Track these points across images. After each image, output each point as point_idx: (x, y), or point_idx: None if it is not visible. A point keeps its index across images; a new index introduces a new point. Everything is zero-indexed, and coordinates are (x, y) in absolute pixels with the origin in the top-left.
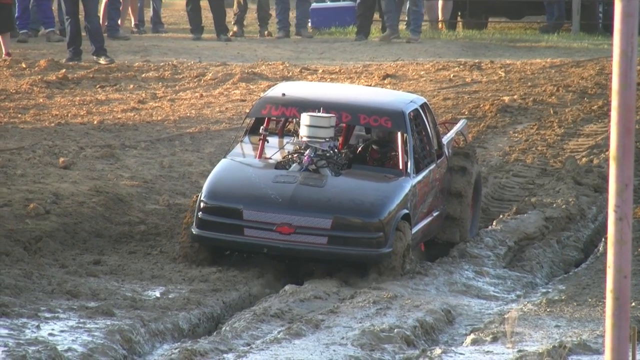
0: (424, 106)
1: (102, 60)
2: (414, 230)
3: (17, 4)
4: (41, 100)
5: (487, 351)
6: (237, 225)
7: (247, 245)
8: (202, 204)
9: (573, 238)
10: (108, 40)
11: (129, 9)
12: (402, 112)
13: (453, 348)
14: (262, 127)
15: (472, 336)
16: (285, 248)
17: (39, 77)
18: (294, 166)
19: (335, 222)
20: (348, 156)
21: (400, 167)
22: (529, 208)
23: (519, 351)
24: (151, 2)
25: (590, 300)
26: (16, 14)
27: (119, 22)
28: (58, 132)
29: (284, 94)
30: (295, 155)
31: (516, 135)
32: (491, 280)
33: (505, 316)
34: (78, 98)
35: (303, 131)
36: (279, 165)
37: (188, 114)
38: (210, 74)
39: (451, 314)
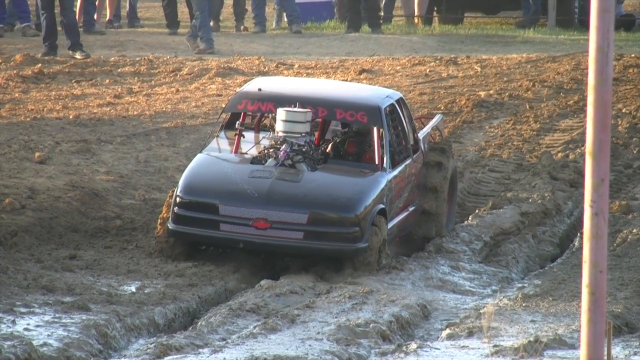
0: (400, 101)
1: (78, 55)
2: (390, 224)
3: None
4: (17, 94)
5: (463, 346)
6: (213, 220)
7: (223, 240)
8: (178, 199)
9: (549, 233)
10: (84, 34)
11: (106, 3)
12: (378, 107)
13: (429, 343)
14: (238, 122)
15: (447, 331)
16: (261, 243)
17: (15, 71)
18: (270, 161)
19: (311, 217)
20: (324, 151)
21: (377, 162)
22: (504, 203)
23: (495, 346)
24: None
25: (565, 295)
26: None
27: (95, 16)
28: (34, 127)
29: (260, 89)
30: (272, 150)
31: (492, 130)
32: (467, 275)
33: (481, 311)
34: (54, 93)
35: (279, 126)
36: (255, 160)
37: (164, 109)
38: (186, 69)
39: (427, 308)
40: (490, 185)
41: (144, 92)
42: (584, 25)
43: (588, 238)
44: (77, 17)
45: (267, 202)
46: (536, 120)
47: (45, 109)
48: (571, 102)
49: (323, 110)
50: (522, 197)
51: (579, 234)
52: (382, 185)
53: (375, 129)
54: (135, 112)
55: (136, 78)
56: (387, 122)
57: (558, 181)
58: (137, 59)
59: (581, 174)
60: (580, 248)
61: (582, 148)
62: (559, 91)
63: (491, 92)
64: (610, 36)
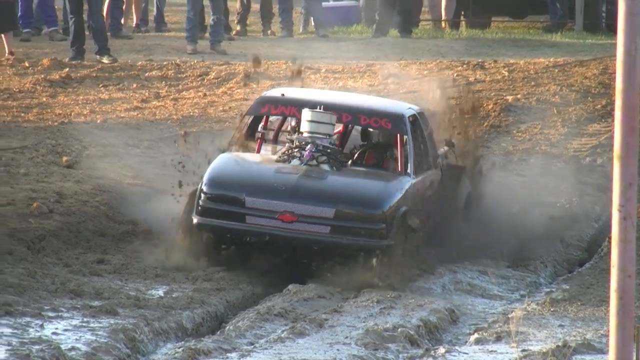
0: (421, 114)
1: (105, 59)
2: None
3: (20, 3)
4: (44, 99)
5: (491, 350)
6: (239, 213)
7: (249, 233)
8: (203, 193)
9: (577, 237)
10: (111, 39)
11: (132, 7)
12: (402, 115)
13: (457, 347)
14: (260, 126)
15: (475, 335)
16: (287, 236)
17: (42, 76)
18: (295, 161)
19: (338, 212)
20: (346, 157)
21: (400, 168)
22: (532, 207)
23: (523, 350)
24: (155, 1)
25: (594, 299)
26: (19, 13)
27: (122, 21)
28: (61, 131)
29: (283, 94)
30: (296, 150)
31: (519, 134)
32: (495, 280)
33: (510, 316)
34: (81, 97)
35: (304, 127)
36: (279, 160)
37: (191, 113)
38: (213, 73)
39: (455, 313)
40: (517, 189)
41: (171, 97)
42: (612, 30)
43: (616, 242)
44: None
45: (294, 196)
46: (564, 125)
47: (72, 114)
48: (599, 106)
49: (347, 116)
50: (550, 202)
51: (607, 239)
52: (407, 187)
53: (398, 136)
54: (162, 117)
55: (163, 82)
56: (410, 130)
57: (586, 185)
58: (164, 63)
59: (609, 178)
60: (609, 252)
61: (610, 152)
62: (586, 95)
63: (518, 96)
64: (638, 40)
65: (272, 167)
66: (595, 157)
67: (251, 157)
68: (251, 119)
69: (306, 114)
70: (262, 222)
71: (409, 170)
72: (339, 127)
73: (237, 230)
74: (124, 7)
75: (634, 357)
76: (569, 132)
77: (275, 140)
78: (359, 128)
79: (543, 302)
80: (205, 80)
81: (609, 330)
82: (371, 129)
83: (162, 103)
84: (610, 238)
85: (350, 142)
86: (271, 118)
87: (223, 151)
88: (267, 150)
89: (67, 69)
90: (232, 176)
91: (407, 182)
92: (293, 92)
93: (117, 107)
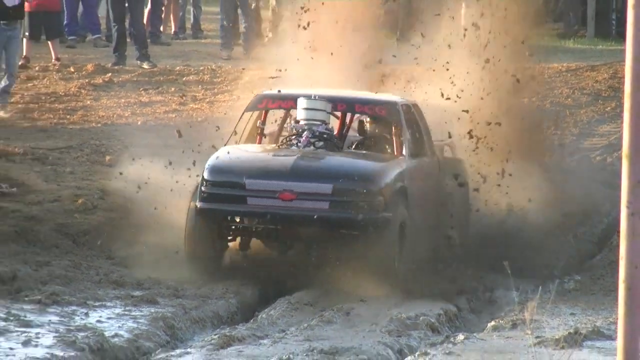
0: (415, 106)
1: (145, 65)
2: (413, 212)
3: (65, 12)
4: (88, 102)
5: (507, 337)
6: (240, 195)
7: (251, 214)
8: (204, 179)
9: (588, 233)
10: (151, 45)
11: (171, 16)
12: (395, 102)
13: (475, 334)
14: (259, 121)
15: (492, 323)
16: (287, 214)
17: (86, 80)
18: (293, 147)
19: (336, 188)
20: (343, 142)
21: (396, 151)
22: (547, 204)
23: (537, 337)
24: (191, 10)
25: (603, 290)
26: (65, 21)
27: (161, 28)
28: (104, 132)
29: (279, 90)
30: (294, 137)
31: None
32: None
33: (525, 305)
34: (123, 100)
35: (300, 115)
36: (278, 147)
37: (226, 115)
38: (246, 78)
39: (473, 302)
40: (532, 187)
41: (207, 100)
42: (621, 36)
43: (624, 237)
44: (145, 29)
45: (292, 175)
46: (575, 126)
47: (114, 115)
48: (609, 108)
49: (342, 105)
50: (564, 199)
51: (616, 233)
52: (403, 166)
53: (393, 123)
54: (199, 119)
55: (200, 86)
56: (404, 117)
57: (596, 183)
58: (201, 68)
59: (618, 176)
60: (617, 246)
61: (619, 152)
62: (597, 98)
63: (534, 98)
64: None
65: (271, 152)
66: (605, 156)
67: (250, 146)
68: (251, 114)
69: (301, 102)
70: (263, 202)
71: (404, 153)
72: (336, 122)
73: (239, 212)
74: (162, 16)
75: None
76: (581, 132)
77: (277, 139)
78: (355, 128)
79: (556, 292)
80: (239, 84)
81: (617, 318)
82: (366, 116)
83: (199, 106)
84: (619, 232)
85: (347, 141)
86: (273, 119)
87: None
88: (269, 138)
89: (110, 74)
90: (232, 162)
91: (403, 162)
92: (289, 89)
93: (157, 109)
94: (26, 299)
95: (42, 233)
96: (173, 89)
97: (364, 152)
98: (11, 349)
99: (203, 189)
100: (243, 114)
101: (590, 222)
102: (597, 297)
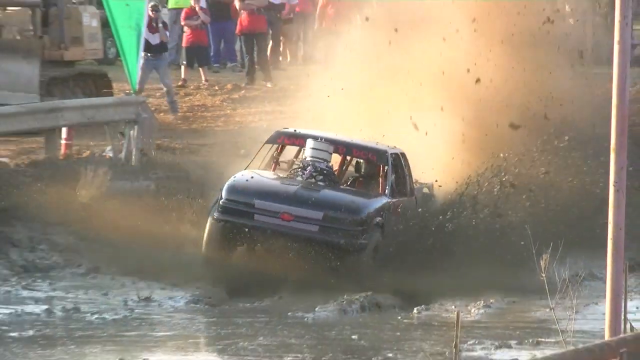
0: (402, 155)
1: (269, 84)
2: (387, 240)
3: (212, 46)
4: (228, 111)
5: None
6: (250, 212)
7: (256, 228)
8: (222, 197)
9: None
10: (273, 70)
11: (287, 50)
12: (385, 151)
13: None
14: (275, 152)
15: None
16: (285, 232)
17: (227, 95)
18: (298, 178)
19: (325, 215)
20: (340, 180)
21: (380, 190)
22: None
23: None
24: (302, 45)
25: (597, 245)
26: (211, 53)
27: (280, 58)
28: (240, 133)
29: (295, 130)
30: (300, 170)
31: None
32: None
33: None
34: (253, 109)
35: (307, 153)
36: (286, 176)
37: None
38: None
39: None
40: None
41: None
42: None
43: (612, 207)
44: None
45: (293, 201)
46: None
47: (247, 121)
48: None
49: (342, 148)
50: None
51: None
52: (383, 203)
53: (381, 167)
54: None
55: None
56: (391, 163)
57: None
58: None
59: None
60: (606, 213)
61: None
62: None
63: None
64: (627, 68)
65: (278, 180)
66: None
67: (264, 172)
68: (270, 146)
69: (309, 142)
70: (267, 219)
71: (386, 192)
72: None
73: (247, 225)
74: (280, 49)
75: (624, 283)
76: None
77: (288, 169)
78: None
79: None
80: None
81: (606, 265)
82: (360, 160)
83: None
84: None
85: (345, 176)
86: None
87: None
88: (282, 169)
89: (243, 91)
90: (246, 185)
91: (384, 200)
92: (304, 130)
93: (277, 116)
94: None
95: None
96: (289, 101)
97: (354, 189)
98: None
99: (221, 203)
100: (263, 145)
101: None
102: (592, 251)
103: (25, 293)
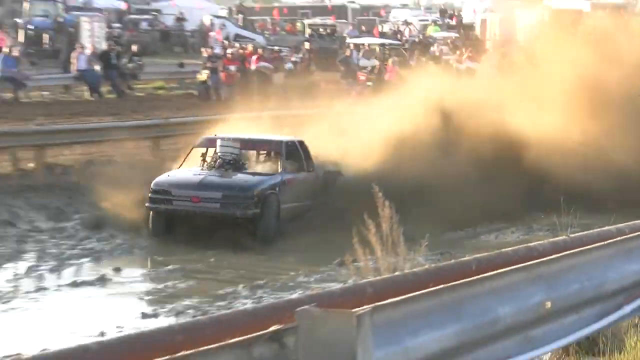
0: (300, 143)
1: None
2: (284, 206)
3: None
4: None
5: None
6: (168, 199)
7: (174, 211)
8: (151, 190)
9: None
10: None
11: None
12: (280, 141)
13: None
14: (202, 153)
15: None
16: (194, 211)
17: None
18: (212, 170)
19: (224, 195)
20: (245, 162)
21: (277, 170)
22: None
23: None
24: None
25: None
26: None
27: None
28: None
29: (215, 134)
30: (213, 162)
31: None
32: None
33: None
34: None
35: (218, 149)
36: (202, 169)
37: None
38: None
39: None
40: None
41: None
42: None
43: None
44: None
45: (200, 187)
46: None
47: None
48: None
49: (249, 144)
50: None
51: None
52: (276, 180)
53: (278, 153)
54: None
55: None
56: (284, 149)
57: None
58: None
59: None
60: None
61: None
62: None
63: None
64: None
65: (192, 173)
66: None
67: (184, 169)
68: (195, 149)
69: (219, 142)
70: (181, 204)
71: (279, 171)
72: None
73: (168, 210)
74: None
75: None
76: None
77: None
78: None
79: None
80: None
81: None
82: (263, 151)
83: None
84: None
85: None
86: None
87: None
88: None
89: None
90: (166, 179)
91: (279, 177)
92: (223, 133)
93: None
94: None
95: None
96: None
97: (256, 172)
98: None
99: (150, 195)
100: (192, 149)
101: None
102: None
103: None
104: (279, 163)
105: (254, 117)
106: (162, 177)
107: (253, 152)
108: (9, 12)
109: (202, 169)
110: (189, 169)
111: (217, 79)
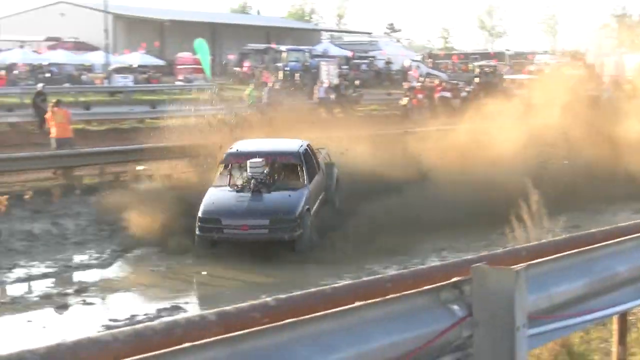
0: (309, 145)
1: None
2: (312, 209)
3: None
4: None
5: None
6: (219, 227)
7: (225, 239)
8: (199, 218)
9: None
10: None
11: None
12: (297, 151)
13: None
14: (228, 167)
15: None
16: (244, 239)
17: None
18: (247, 190)
19: (271, 221)
20: (272, 180)
21: (301, 182)
22: None
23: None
24: None
25: None
26: None
27: None
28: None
29: (237, 150)
30: (246, 182)
31: None
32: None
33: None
34: None
35: (249, 170)
36: (239, 189)
37: None
38: None
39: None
40: None
41: None
42: None
43: None
44: None
45: (247, 215)
46: None
47: None
48: None
49: (269, 157)
50: None
51: None
52: (307, 194)
53: (298, 164)
54: None
55: None
56: (303, 159)
57: None
58: None
59: None
60: None
61: None
62: None
63: None
64: None
65: (233, 197)
66: None
67: (222, 191)
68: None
69: (249, 163)
70: (231, 232)
71: (305, 183)
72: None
73: (219, 238)
74: None
75: None
76: None
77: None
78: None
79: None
80: None
81: None
82: (284, 161)
83: None
84: None
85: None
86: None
87: (211, 185)
88: (235, 178)
89: None
90: (213, 208)
91: (307, 190)
92: (243, 145)
93: None
94: None
95: None
96: None
97: (285, 188)
98: None
99: (198, 223)
100: (219, 165)
101: None
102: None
103: None
104: (301, 175)
105: (433, 130)
106: (209, 206)
107: (276, 164)
108: (272, 59)
109: (237, 190)
110: (225, 189)
111: (412, 105)
